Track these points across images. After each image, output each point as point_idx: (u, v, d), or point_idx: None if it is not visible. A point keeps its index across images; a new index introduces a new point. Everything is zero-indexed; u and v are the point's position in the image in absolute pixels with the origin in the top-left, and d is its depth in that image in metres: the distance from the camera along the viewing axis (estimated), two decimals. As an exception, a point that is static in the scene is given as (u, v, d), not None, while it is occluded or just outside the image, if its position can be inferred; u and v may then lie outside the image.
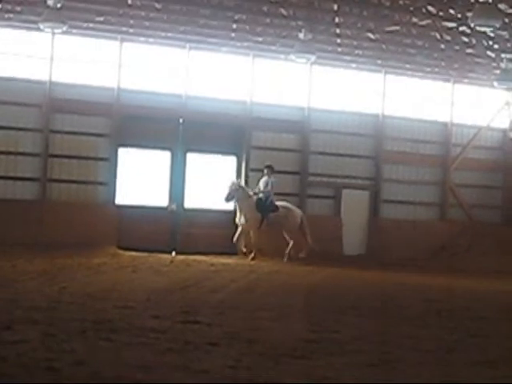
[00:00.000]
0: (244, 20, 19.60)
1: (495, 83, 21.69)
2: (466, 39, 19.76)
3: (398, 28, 19.49)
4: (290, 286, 14.24)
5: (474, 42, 19.94)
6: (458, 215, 25.37)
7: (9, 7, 18.89)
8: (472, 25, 16.34)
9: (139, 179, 21.70)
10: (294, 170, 23.27)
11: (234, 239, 20.46)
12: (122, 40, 21.34)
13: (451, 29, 18.89)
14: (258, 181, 21.14)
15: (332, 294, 13.37)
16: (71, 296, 10.28)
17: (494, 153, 26.00)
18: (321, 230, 21.88)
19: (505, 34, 18.70)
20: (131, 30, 20.83)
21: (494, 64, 21.74)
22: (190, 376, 5.76)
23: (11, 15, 19.45)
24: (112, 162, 21.28)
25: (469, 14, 16.17)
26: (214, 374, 5.87)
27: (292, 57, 20.08)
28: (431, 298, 13.21)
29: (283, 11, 18.67)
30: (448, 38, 19.83)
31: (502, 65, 21.09)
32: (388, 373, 6.42)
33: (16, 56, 20.56)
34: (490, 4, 15.52)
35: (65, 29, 18.07)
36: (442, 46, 20.73)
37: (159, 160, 22.03)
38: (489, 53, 20.81)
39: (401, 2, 17.66)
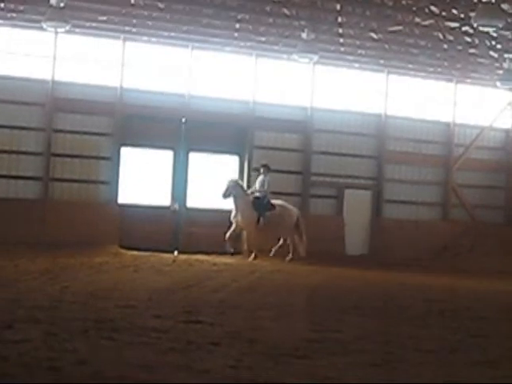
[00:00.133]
0: (247, 20, 19.61)
1: (498, 83, 21.68)
2: (468, 39, 19.75)
3: (400, 28, 19.49)
4: (291, 286, 14.23)
5: (476, 42, 19.93)
6: (460, 215, 25.35)
7: (12, 6, 18.92)
8: (475, 25, 16.30)
9: (141, 178, 21.72)
10: (296, 170, 23.27)
11: (226, 236, 20.32)
12: (125, 39, 21.35)
13: (454, 29, 18.88)
14: (255, 180, 21.15)
15: (334, 294, 13.36)
16: (73, 295, 10.28)
17: (497, 153, 25.98)
18: (323, 229, 21.89)
19: (508, 34, 18.69)
20: (134, 30, 20.84)
21: (497, 64, 21.74)
22: (192, 376, 5.75)
23: (14, 14, 19.47)
24: (114, 161, 21.29)
25: (472, 14, 16.15)
26: (215, 373, 5.87)
27: (295, 56, 20.07)
28: (434, 298, 13.19)
29: (286, 11, 18.68)
30: (451, 38, 19.82)
31: (505, 65, 21.08)
32: (390, 373, 6.41)
33: (19, 55, 20.58)
34: (492, 4, 15.51)
35: (68, 28, 18.08)
36: (445, 46, 20.73)
37: (162, 159, 22.05)
38: (491, 53, 20.80)
39: (403, 2, 17.65)
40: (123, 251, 19.74)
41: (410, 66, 23.43)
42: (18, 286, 11.13)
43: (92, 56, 21.26)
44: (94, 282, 12.45)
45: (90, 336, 7.14)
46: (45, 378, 5.38)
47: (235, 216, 20.37)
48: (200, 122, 21.93)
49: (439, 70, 23.76)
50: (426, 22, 18.66)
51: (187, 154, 22.14)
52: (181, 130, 21.86)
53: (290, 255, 20.50)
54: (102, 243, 19.71)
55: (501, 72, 21.65)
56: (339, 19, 19.06)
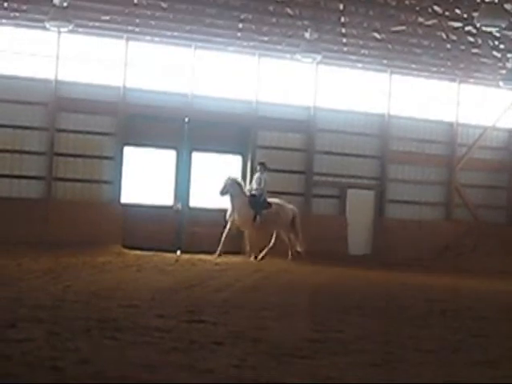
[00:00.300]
0: (250, 19, 19.62)
1: (501, 83, 21.67)
2: (471, 39, 19.75)
3: (403, 28, 19.49)
4: (294, 286, 14.25)
5: (479, 41, 19.92)
6: (463, 215, 25.34)
7: (15, 6, 18.96)
8: (478, 25, 16.33)
9: (144, 178, 21.75)
10: (299, 170, 23.27)
11: (223, 237, 20.16)
12: (128, 39, 21.37)
13: (457, 29, 18.88)
14: (252, 178, 21.16)
15: (336, 294, 13.37)
16: (76, 295, 10.29)
17: (500, 153, 25.96)
18: (326, 229, 21.91)
19: (511, 34, 18.68)
20: (137, 29, 20.86)
21: (500, 64, 21.72)
22: (195, 375, 5.75)
23: (17, 14, 19.51)
24: (117, 160, 21.31)
25: (475, 14, 16.16)
26: (218, 373, 5.87)
27: (298, 56, 20.10)
28: (435, 298, 13.19)
29: (289, 11, 18.69)
30: (454, 37, 19.82)
31: (508, 65, 21.07)
32: (391, 373, 6.42)
33: (22, 55, 20.62)
34: (495, 4, 15.52)
35: (71, 28, 18.14)
36: (448, 46, 20.73)
37: (165, 159, 22.07)
38: (495, 53, 20.80)
39: (407, 2, 17.66)
40: (126, 251, 19.77)
41: (413, 65, 23.42)
42: (21, 285, 11.14)
43: (95, 56, 21.28)
44: (97, 282, 12.46)
45: (92, 335, 7.15)
46: (47, 378, 5.38)
47: (231, 215, 20.31)
48: (203, 121, 21.94)
49: (442, 69, 23.75)
50: (429, 22, 18.66)
51: (190, 153, 22.15)
52: (184, 129, 21.87)
53: (290, 255, 20.50)
54: (105, 243, 19.74)
55: (504, 72, 21.64)
56: (342, 19, 19.06)
